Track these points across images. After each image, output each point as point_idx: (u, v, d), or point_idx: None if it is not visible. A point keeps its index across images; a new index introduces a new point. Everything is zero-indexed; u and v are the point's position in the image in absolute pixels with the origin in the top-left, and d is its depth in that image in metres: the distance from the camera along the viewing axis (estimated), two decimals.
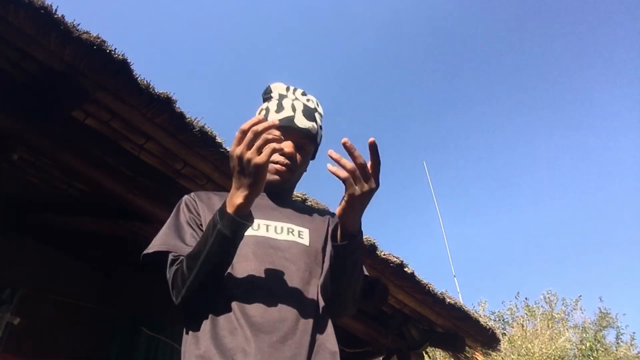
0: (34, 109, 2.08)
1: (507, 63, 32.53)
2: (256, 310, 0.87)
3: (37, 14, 1.70)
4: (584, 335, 12.92)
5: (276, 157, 1.07)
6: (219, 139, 2.30)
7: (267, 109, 1.14)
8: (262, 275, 0.93)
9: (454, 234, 33.10)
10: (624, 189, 27.93)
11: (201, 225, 1.02)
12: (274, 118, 1.08)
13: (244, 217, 0.85)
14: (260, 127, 0.82)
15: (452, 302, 3.84)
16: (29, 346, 3.34)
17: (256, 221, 1.00)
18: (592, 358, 11.65)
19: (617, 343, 13.28)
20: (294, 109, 1.11)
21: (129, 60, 1.95)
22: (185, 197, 1.11)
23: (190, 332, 0.91)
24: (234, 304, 0.88)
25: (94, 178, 2.33)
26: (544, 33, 30.71)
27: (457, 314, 3.95)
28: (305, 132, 1.11)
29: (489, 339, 4.42)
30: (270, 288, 0.92)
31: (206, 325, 0.88)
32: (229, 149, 2.32)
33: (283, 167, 1.09)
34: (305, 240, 1.04)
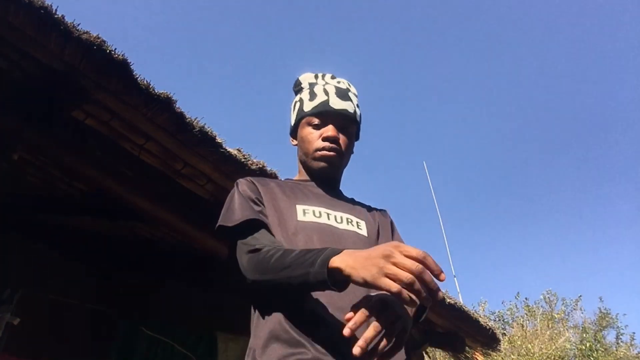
0: (34, 109, 2.08)
1: (505, 61, 32.54)
2: (324, 297, 0.85)
3: (37, 14, 1.70)
4: (584, 335, 12.90)
5: (319, 143, 1.06)
6: (219, 139, 2.30)
7: (301, 100, 1.12)
8: None
9: (454, 234, 33.10)
10: (623, 188, 27.94)
11: (262, 204, 1.00)
12: (309, 106, 1.08)
13: (334, 282, 0.73)
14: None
15: (452, 302, 3.85)
16: (29, 346, 3.34)
17: (317, 209, 1.01)
18: (592, 358, 11.62)
19: (617, 343, 13.27)
20: (326, 93, 1.08)
21: (129, 60, 1.95)
22: (242, 180, 1.07)
23: (257, 312, 0.91)
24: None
25: (94, 178, 2.33)
26: (543, 36, 30.72)
27: (457, 314, 3.95)
28: (344, 112, 1.07)
29: (489, 339, 4.43)
30: None
31: (274, 309, 0.87)
32: (229, 149, 2.35)
33: (330, 153, 1.06)
34: (364, 231, 1.03)
